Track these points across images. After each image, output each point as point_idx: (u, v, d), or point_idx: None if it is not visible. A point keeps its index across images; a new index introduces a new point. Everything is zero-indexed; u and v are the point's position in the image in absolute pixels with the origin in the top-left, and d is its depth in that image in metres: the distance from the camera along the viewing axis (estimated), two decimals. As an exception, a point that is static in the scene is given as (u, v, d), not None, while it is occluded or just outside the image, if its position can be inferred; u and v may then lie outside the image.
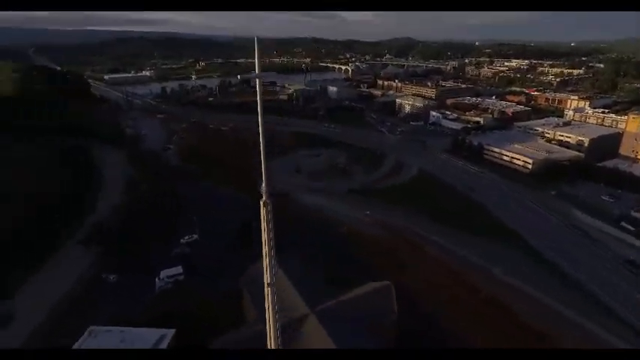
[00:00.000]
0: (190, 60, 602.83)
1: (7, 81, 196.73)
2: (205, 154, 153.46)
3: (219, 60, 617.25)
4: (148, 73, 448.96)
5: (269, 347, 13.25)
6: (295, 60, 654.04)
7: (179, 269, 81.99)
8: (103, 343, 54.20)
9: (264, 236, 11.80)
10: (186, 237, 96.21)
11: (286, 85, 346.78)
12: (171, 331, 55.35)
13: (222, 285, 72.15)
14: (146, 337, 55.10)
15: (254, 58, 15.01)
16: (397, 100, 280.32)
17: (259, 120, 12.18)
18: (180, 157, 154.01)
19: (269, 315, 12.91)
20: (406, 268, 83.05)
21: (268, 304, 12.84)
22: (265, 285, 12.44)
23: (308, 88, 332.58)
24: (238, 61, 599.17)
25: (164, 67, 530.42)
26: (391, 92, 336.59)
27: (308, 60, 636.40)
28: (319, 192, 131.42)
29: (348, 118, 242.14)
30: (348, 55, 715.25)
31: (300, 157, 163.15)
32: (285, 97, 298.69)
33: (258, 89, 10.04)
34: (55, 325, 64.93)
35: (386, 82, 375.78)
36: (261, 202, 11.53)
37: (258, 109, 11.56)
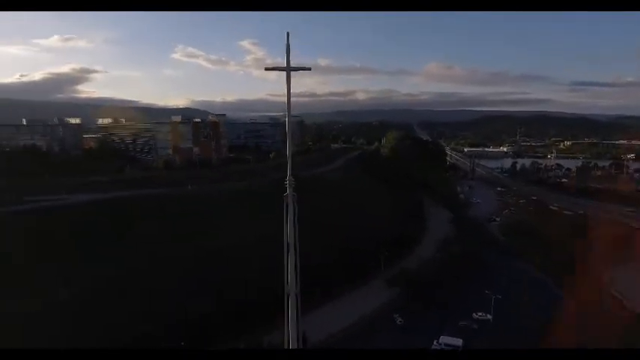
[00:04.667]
0: (555, 139, 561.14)
1: (389, 146, 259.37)
2: (533, 234, 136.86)
3: (591, 140, 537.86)
4: (505, 149, 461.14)
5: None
6: None
7: (459, 342, 77.06)
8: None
9: (286, 233, 10.35)
10: (480, 313, 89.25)
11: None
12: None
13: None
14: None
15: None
16: None
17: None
18: (503, 231, 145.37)
19: (289, 324, 10.78)
20: None
21: (288, 313, 10.84)
22: (285, 295, 10.56)
23: None
24: (617, 142, 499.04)
25: (524, 144, 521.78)
26: None
27: None
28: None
29: None
30: None
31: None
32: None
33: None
34: (340, 336, 76.90)
35: None
36: (284, 196, 10.24)
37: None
